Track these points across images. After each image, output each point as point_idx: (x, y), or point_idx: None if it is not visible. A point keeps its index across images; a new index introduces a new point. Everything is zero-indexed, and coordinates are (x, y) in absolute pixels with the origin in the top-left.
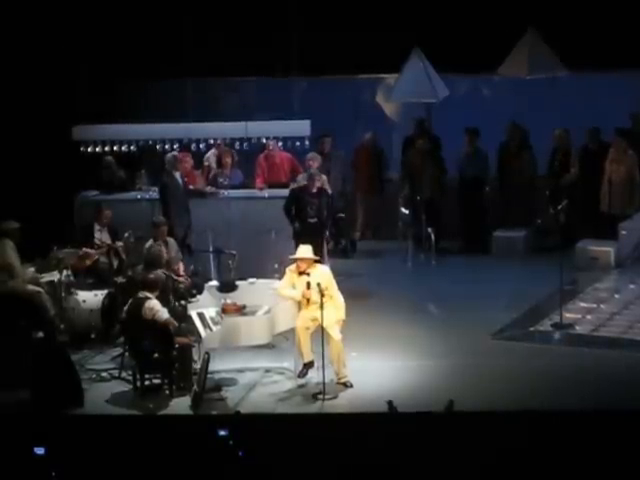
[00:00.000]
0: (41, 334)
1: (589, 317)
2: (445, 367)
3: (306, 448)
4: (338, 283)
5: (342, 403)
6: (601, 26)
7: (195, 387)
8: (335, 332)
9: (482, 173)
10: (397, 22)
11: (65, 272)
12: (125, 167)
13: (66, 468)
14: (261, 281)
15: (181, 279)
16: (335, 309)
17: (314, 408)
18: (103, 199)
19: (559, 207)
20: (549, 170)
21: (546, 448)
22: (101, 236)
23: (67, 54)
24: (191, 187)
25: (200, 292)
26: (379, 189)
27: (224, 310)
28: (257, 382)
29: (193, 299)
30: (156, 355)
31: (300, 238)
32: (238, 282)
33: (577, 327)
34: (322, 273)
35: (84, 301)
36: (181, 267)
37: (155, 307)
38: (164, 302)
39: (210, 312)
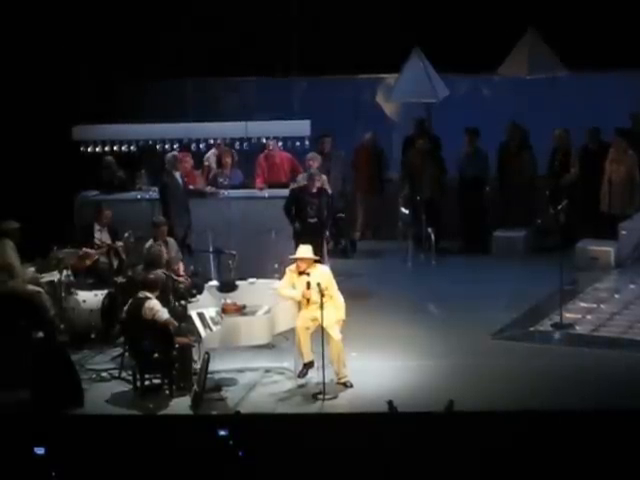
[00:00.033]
0: (41, 334)
1: (589, 317)
2: (445, 367)
3: (306, 448)
4: (338, 283)
5: (342, 403)
6: (601, 26)
7: (195, 387)
8: (335, 332)
9: (482, 173)
10: (397, 22)
11: (65, 272)
12: (125, 167)
13: (66, 468)
14: (261, 281)
15: (181, 279)
16: (335, 309)
17: (314, 408)
18: (103, 199)
19: (559, 207)
20: (549, 170)
21: (546, 448)
22: (101, 236)
23: (67, 54)
24: (191, 187)
25: (200, 292)
26: (379, 189)
27: (224, 310)
28: (257, 382)
29: (193, 299)
30: (156, 355)
31: (300, 238)
32: (238, 282)
33: (577, 327)
34: (322, 273)
35: (84, 301)
36: (181, 267)
37: (155, 307)
38: (164, 302)
39: (210, 312)
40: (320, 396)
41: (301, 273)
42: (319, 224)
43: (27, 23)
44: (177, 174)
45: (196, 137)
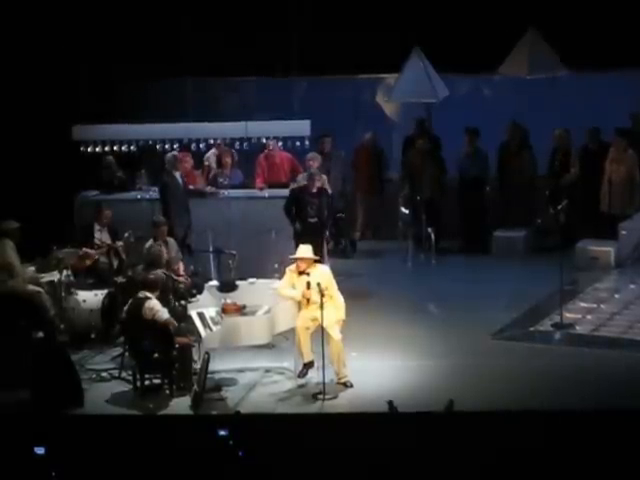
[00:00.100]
0: (41, 334)
1: (589, 317)
2: (445, 367)
3: (306, 448)
4: (338, 283)
5: (342, 403)
6: (601, 26)
7: (195, 387)
8: (335, 332)
9: (482, 173)
10: (397, 22)
11: (65, 272)
12: (125, 167)
13: (66, 468)
14: (261, 281)
15: (181, 279)
16: (335, 309)
17: (314, 408)
18: (103, 199)
19: (559, 207)
20: (549, 170)
21: (546, 448)
22: (101, 236)
23: (67, 54)
24: (191, 187)
25: (200, 292)
26: (379, 189)
27: (224, 310)
28: (257, 382)
29: (193, 299)
30: (156, 355)
31: (300, 238)
32: (238, 282)
33: (577, 327)
34: (322, 273)
35: (84, 301)
36: (181, 267)
37: (155, 307)
38: (164, 302)
39: (210, 312)
40: (320, 396)
41: (301, 273)
42: (319, 224)
43: (27, 23)
44: (177, 174)
45: (196, 137)
